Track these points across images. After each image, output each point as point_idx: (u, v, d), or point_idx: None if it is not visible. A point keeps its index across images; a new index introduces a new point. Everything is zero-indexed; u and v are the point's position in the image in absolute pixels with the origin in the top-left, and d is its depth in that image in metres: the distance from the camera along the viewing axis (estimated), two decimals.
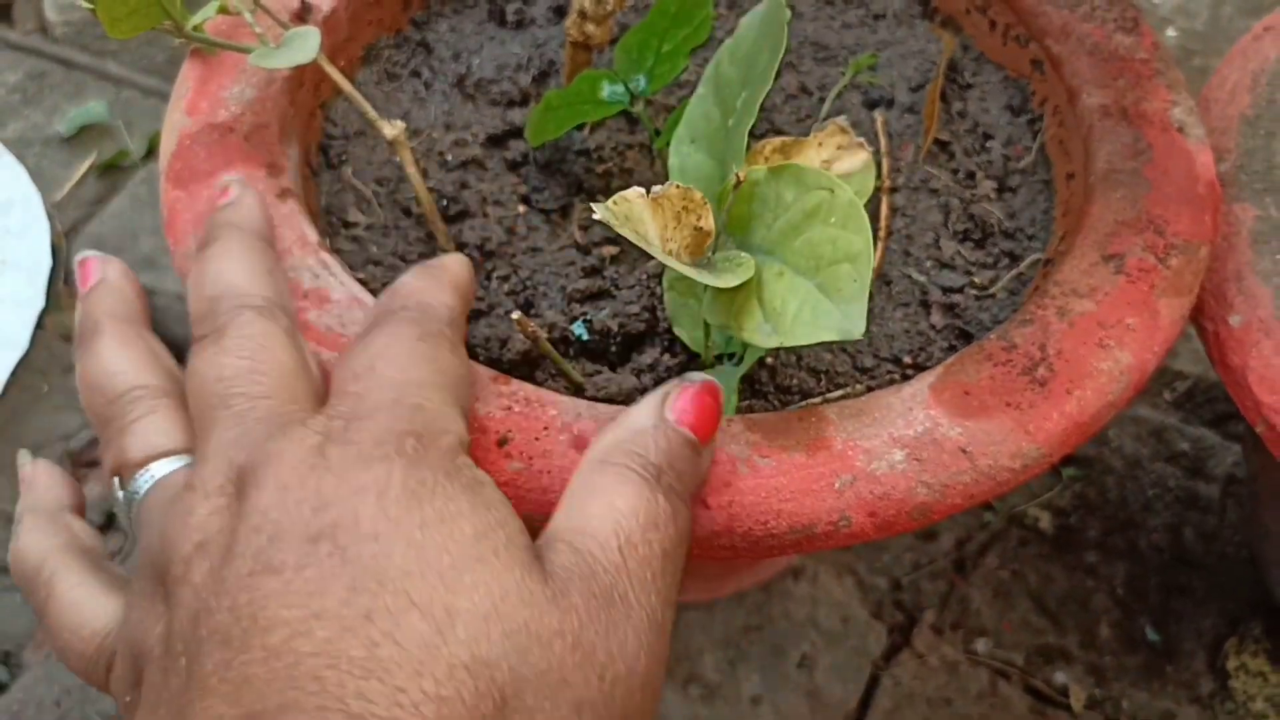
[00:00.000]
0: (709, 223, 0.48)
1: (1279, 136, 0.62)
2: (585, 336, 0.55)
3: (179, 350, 0.69)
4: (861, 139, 0.53)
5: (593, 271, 0.58)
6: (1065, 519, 0.82)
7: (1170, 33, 1.15)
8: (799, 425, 0.48)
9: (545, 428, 0.47)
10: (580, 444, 0.46)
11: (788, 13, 0.51)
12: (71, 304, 0.88)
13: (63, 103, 1.01)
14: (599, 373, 0.54)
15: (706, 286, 0.49)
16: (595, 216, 0.44)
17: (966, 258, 0.59)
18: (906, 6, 0.71)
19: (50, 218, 0.90)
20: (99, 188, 0.96)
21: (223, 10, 0.59)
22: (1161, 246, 0.55)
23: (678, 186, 0.47)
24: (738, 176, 0.48)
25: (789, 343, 0.45)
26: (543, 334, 0.51)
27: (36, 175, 0.95)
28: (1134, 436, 0.87)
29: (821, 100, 0.66)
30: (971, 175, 0.63)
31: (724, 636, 0.77)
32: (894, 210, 0.60)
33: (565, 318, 0.56)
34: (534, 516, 0.45)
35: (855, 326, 0.44)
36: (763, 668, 0.75)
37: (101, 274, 0.51)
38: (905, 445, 0.47)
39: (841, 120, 0.53)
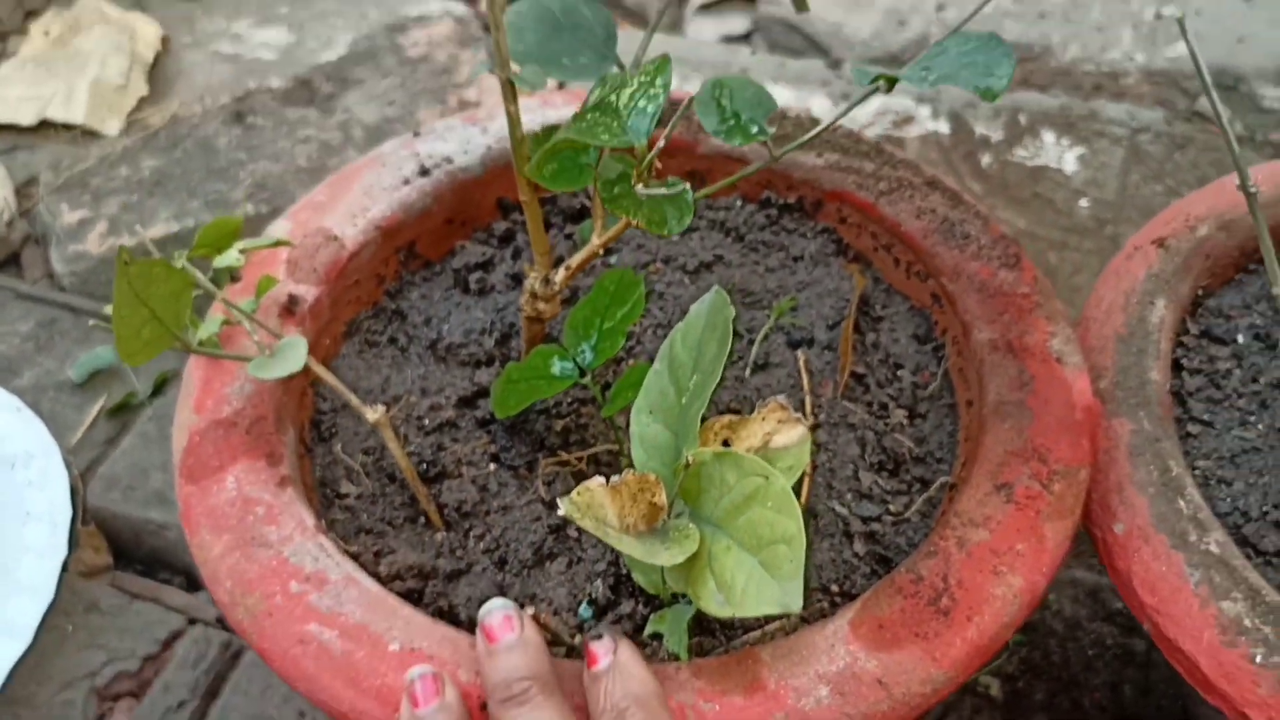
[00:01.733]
0: (662, 499, 0.56)
1: (1149, 353, 0.71)
2: (590, 615, 0.63)
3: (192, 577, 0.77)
4: (798, 415, 0.62)
5: (557, 528, 0.66)
6: (1014, 684, 0.89)
7: (1083, 203, 1.25)
8: (737, 669, 0.55)
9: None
10: (579, 709, 0.54)
11: (732, 310, 0.60)
12: (91, 542, 0.96)
13: (73, 348, 1.10)
14: (582, 629, 0.62)
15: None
16: (560, 511, 0.52)
17: (883, 486, 0.67)
18: (822, 247, 0.81)
19: (67, 464, 0.98)
20: (109, 428, 1.05)
21: (225, 322, 0.68)
22: (1045, 473, 0.63)
23: (634, 473, 0.55)
24: (687, 459, 0.56)
25: (739, 614, 0.52)
26: (554, 623, 0.59)
27: (51, 419, 1.04)
28: (1072, 599, 0.94)
29: (751, 342, 0.75)
30: (885, 406, 0.71)
31: None
32: (818, 447, 0.69)
33: (571, 598, 0.63)
34: None
35: (794, 602, 0.51)
36: None
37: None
38: (829, 681, 0.55)
39: (781, 399, 0.61)
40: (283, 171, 1.28)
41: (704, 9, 1.62)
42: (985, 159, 1.32)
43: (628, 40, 0.97)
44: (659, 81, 0.52)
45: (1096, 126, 1.35)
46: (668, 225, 0.54)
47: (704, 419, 0.59)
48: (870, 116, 1.37)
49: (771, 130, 0.62)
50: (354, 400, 0.64)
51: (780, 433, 0.61)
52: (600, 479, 0.54)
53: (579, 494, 0.53)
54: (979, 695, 0.89)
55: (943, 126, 1.36)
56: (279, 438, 0.66)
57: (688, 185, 0.56)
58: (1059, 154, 1.32)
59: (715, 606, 0.54)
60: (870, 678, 0.55)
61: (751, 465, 0.55)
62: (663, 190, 0.54)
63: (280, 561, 0.59)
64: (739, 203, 0.84)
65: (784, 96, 1.39)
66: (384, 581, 0.62)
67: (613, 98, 0.52)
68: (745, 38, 1.59)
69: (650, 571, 0.63)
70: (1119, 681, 0.90)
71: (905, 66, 0.61)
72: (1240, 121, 1.38)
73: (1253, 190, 0.55)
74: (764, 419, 0.61)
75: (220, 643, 0.91)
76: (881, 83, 0.60)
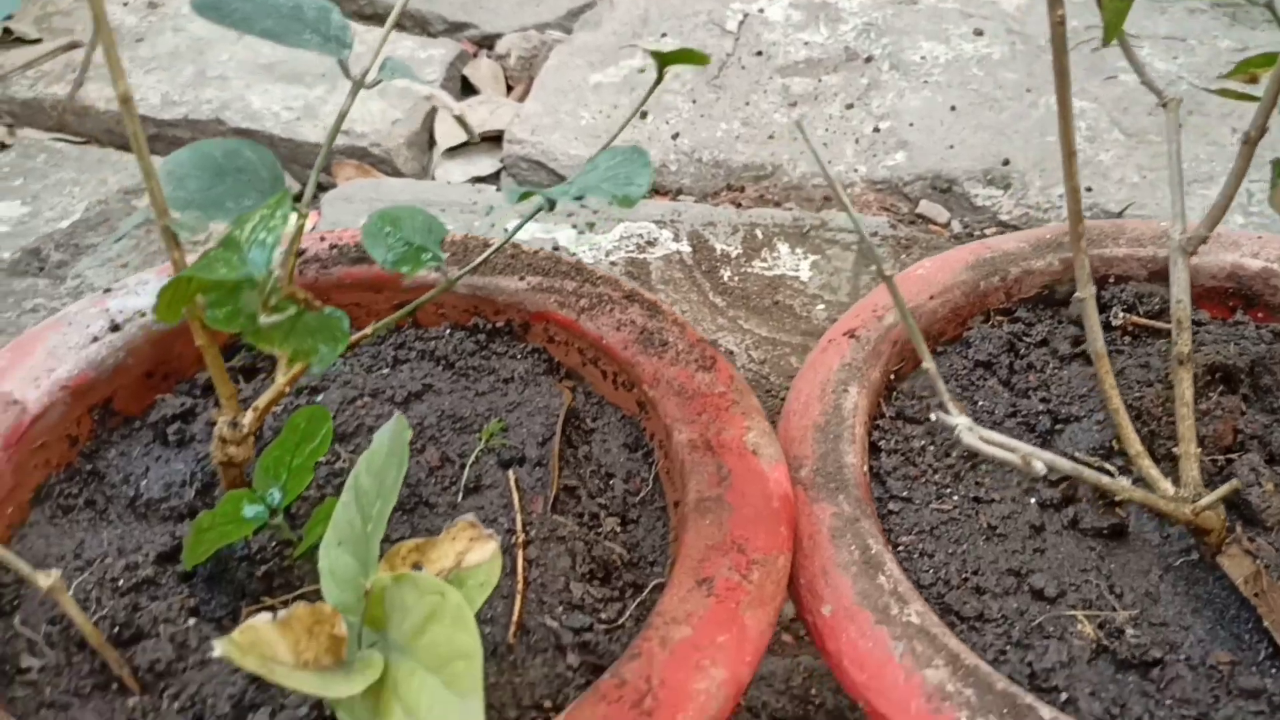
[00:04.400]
0: (341, 629, 0.54)
1: (844, 439, 0.73)
2: None
3: None
4: (490, 531, 0.61)
5: (257, 678, 0.62)
6: None
7: (819, 308, 1.30)
8: None
9: None
10: None
11: (409, 432, 0.59)
12: None
13: None
14: None
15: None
16: (215, 653, 0.49)
17: (595, 595, 0.67)
18: (533, 366, 0.81)
19: None
20: None
21: None
22: (745, 564, 0.63)
23: (305, 606, 0.53)
24: (367, 587, 0.54)
25: None
26: None
27: None
28: (834, 689, 0.95)
29: (462, 467, 0.74)
30: (595, 515, 0.71)
31: None
32: (529, 563, 0.68)
33: None
34: None
35: (475, 717, 0.50)
36: None
37: None
38: None
39: (470, 517, 0.60)
40: (6, 343, 1.22)
41: (450, 152, 1.65)
42: (726, 273, 1.36)
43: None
44: (279, 214, 0.52)
45: (827, 235, 1.41)
46: (318, 355, 0.54)
47: (392, 544, 0.57)
48: (614, 242, 1.41)
49: (445, 256, 0.63)
50: (24, 567, 0.60)
51: (472, 550, 0.60)
52: (268, 615, 0.52)
53: (241, 633, 0.51)
54: None
55: (684, 246, 1.40)
56: None
57: (341, 313, 0.55)
58: (795, 263, 1.37)
59: None
60: None
61: (427, 584, 0.53)
62: (292, 317, 0.53)
63: None
64: (449, 330, 0.84)
65: (531, 229, 1.42)
66: None
67: (236, 232, 0.52)
68: (493, 177, 1.61)
69: (357, 711, 0.60)
70: None
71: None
72: (958, 220, 1.47)
73: (889, 274, 0.58)
74: (454, 538, 0.60)
75: None
76: (539, 198, 0.61)
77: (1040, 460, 0.54)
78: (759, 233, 1.43)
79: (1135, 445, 0.67)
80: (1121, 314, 0.81)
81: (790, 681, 0.96)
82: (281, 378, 0.66)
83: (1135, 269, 0.85)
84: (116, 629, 0.65)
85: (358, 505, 0.60)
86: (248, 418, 0.66)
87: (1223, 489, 0.64)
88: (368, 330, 0.67)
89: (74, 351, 0.76)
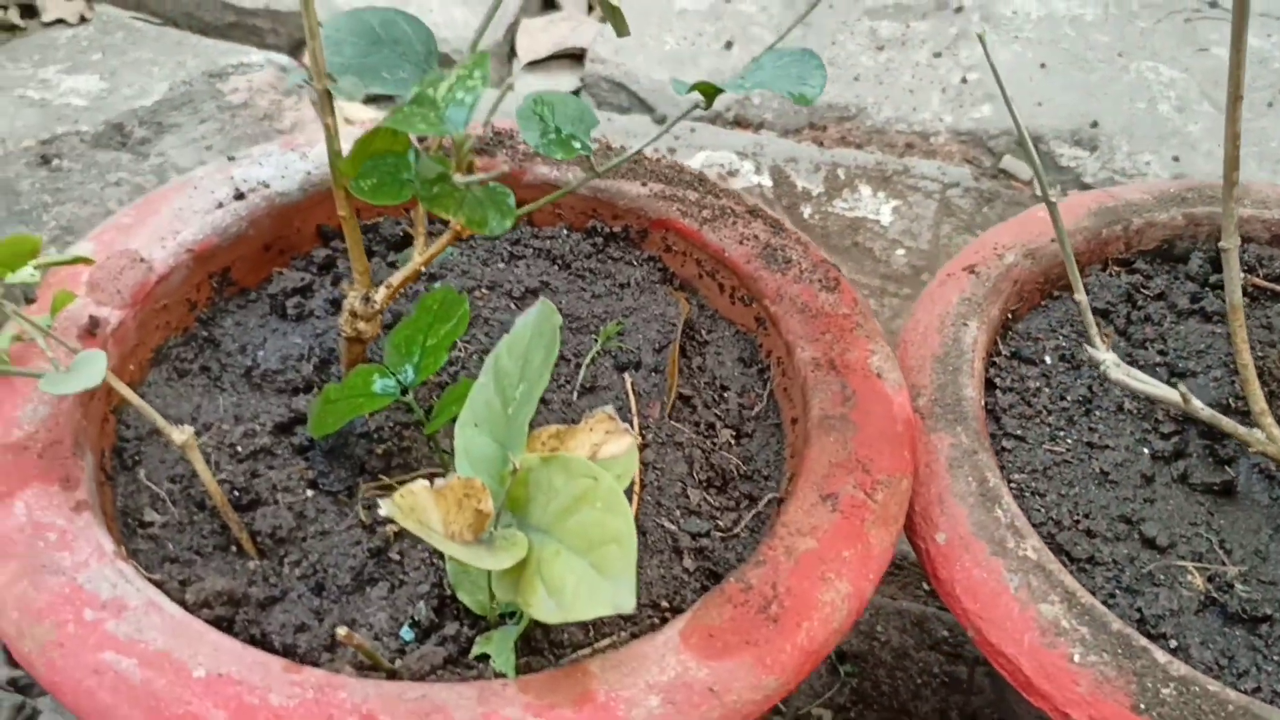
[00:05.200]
0: (488, 505, 0.55)
1: (963, 372, 0.73)
2: (412, 638, 0.60)
3: None
4: (626, 425, 0.61)
5: (378, 552, 0.63)
6: (845, 714, 0.89)
7: (899, 253, 1.30)
8: (565, 682, 0.54)
9: (334, 711, 0.51)
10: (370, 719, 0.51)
11: (559, 318, 0.59)
12: None
13: None
14: (404, 653, 0.59)
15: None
16: (381, 511, 0.50)
17: (711, 503, 0.67)
18: (648, 274, 0.81)
19: None
20: None
21: (16, 339, 0.64)
22: (869, 483, 0.64)
23: (459, 478, 0.54)
24: (514, 466, 0.55)
25: (571, 618, 0.51)
26: (365, 643, 0.56)
27: None
28: (899, 629, 0.96)
29: (578, 366, 0.74)
30: (712, 426, 0.71)
31: None
32: (645, 465, 0.68)
33: (392, 622, 0.60)
34: None
35: (626, 601, 0.50)
36: None
37: None
38: (660, 691, 0.53)
39: (608, 409, 0.61)
40: (91, 214, 1.22)
41: (532, 66, 1.63)
42: (807, 210, 1.36)
43: None
44: (476, 74, 0.51)
45: (910, 181, 1.40)
46: (489, 224, 0.53)
47: (530, 429, 0.58)
48: (695, 169, 1.40)
49: (594, 146, 0.62)
50: (159, 419, 0.61)
51: (608, 443, 0.60)
52: (424, 482, 0.52)
53: (401, 496, 0.51)
54: None
55: (766, 179, 1.40)
56: (76, 462, 0.62)
57: (506, 188, 0.55)
58: (876, 206, 1.37)
59: (546, 612, 0.52)
60: (701, 686, 0.54)
61: (580, 467, 0.54)
62: (482, 184, 0.53)
63: (73, 588, 0.55)
64: (565, 231, 0.83)
65: None
66: (191, 609, 0.58)
67: (430, 91, 0.52)
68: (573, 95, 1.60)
69: (476, 591, 0.61)
70: (945, 708, 0.91)
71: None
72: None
73: (1053, 201, 0.58)
74: (591, 430, 0.60)
75: (11, 706, 0.84)
76: (699, 96, 0.61)
77: (1198, 403, 0.54)
78: (841, 173, 1.42)
79: (1261, 402, 0.67)
80: (1243, 274, 0.80)
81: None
82: (419, 256, 0.65)
83: (1259, 230, 0.84)
84: (235, 494, 0.66)
85: (497, 387, 0.60)
86: (380, 293, 0.66)
87: None
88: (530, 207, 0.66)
89: (199, 216, 0.76)
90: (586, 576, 0.51)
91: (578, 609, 0.51)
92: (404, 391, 0.65)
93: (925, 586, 1.01)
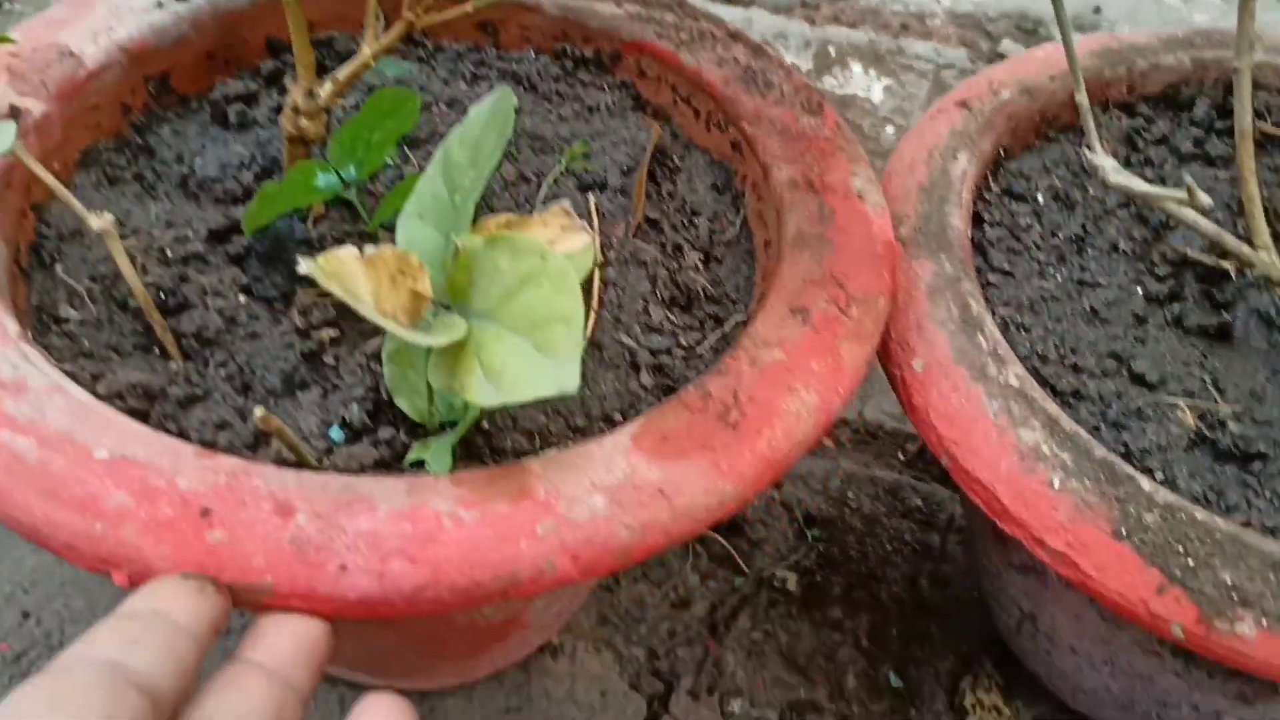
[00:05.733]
0: (425, 287, 0.50)
1: (950, 201, 0.68)
2: (341, 439, 0.56)
3: None
4: (583, 223, 0.57)
5: (312, 356, 0.58)
6: (811, 578, 0.86)
7: (889, 130, 1.25)
8: (503, 478, 0.49)
9: (247, 497, 0.47)
10: (285, 510, 0.47)
11: (514, 100, 0.55)
12: None
13: None
14: (330, 453, 0.55)
15: (428, 353, 0.51)
16: (300, 268, 0.45)
17: (674, 322, 0.63)
18: (619, 100, 0.76)
19: None
20: None
21: None
22: (844, 299, 0.59)
23: (393, 249, 0.49)
24: (457, 246, 0.50)
25: (510, 399, 0.47)
26: (284, 427, 0.51)
27: None
28: (871, 496, 0.92)
29: (539, 186, 0.69)
30: (679, 248, 0.67)
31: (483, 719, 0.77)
32: (606, 283, 0.64)
33: (323, 425, 0.56)
34: (236, 585, 0.45)
35: (570, 381, 0.46)
36: None
37: None
38: (606, 491, 0.49)
39: (565, 204, 0.56)
40: None
41: None
42: None
43: None
44: None
45: (903, 61, 1.35)
46: None
47: (479, 220, 0.53)
48: None
49: None
50: (75, 203, 0.56)
51: (564, 239, 0.55)
52: (353, 249, 0.47)
53: (326, 260, 0.46)
54: (776, 589, 0.86)
55: None
56: None
57: None
58: (867, 84, 1.31)
59: (484, 396, 0.48)
60: (651, 488, 0.50)
61: (527, 246, 0.49)
62: None
63: None
64: (533, 54, 0.78)
65: None
66: (102, 400, 0.53)
67: None
68: None
69: (416, 396, 0.57)
70: (916, 574, 0.87)
71: None
72: None
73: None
74: (546, 224, 0.55)
75: None
76: None
77: (1205, 197, 0.50)
78: (832, 50, 1.36)
79: (1264, 236, 0.63)
80: (1254, 120, 0.75)
81: (828, 483, 0.94)
82: (368, 49, 0.60)
83: (1270, 77, 0.79)
84: (162, 297, 0.61)
85: (445, 177, 0.56)
86: (325, 88, 0.61)
87: None
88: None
89: (136, 14, 0.71)
90: (529, 356, 0.47)
91: (518, 389, 0.47)
92: (346, 187, 0.61)
93: (900, 456, 0.97)
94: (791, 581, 0.86)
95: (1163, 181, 0.74)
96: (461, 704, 0.78)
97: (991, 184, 0.73)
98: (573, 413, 0.57)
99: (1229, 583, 0.52)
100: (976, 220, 0.71)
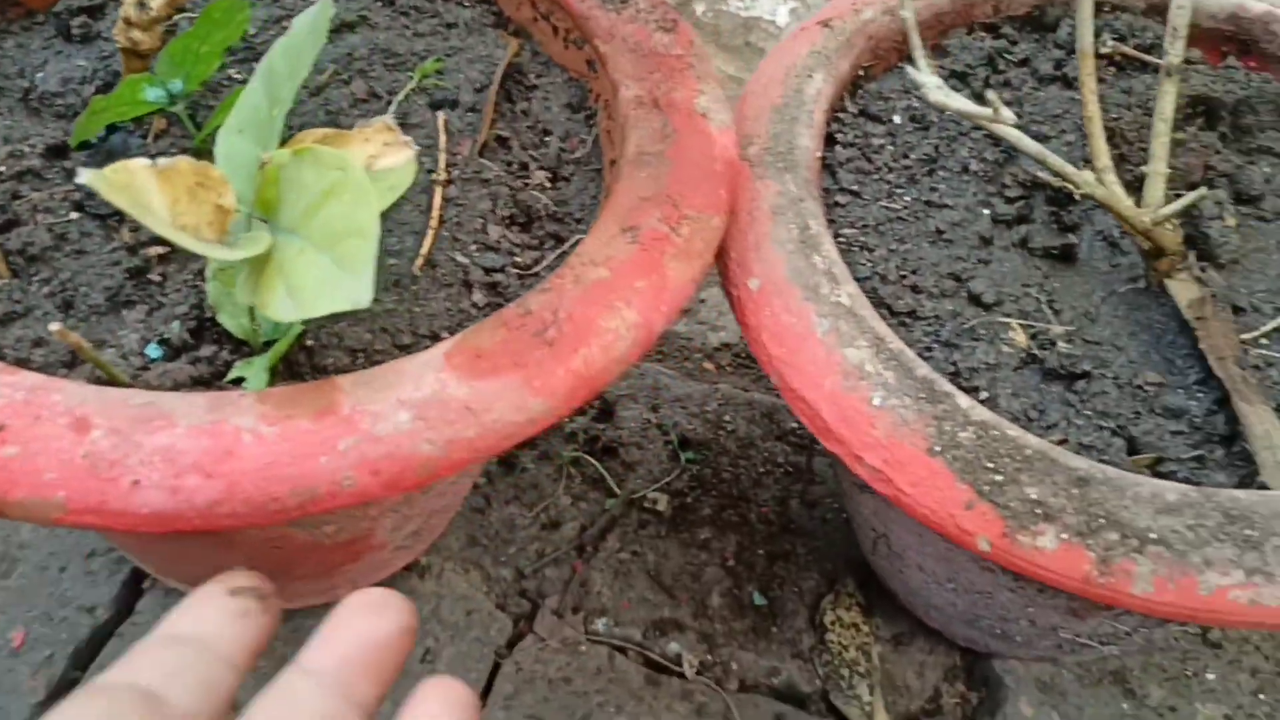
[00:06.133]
0: (230, 200, 0.49)
1: (801, 121, 0.68)
2: (159, 355, 0.55)
3: None
4: (408, 138, 0.56)
5: (138, 272, 0.58)
6: (682, 499, 0.87)
7: None
8: (309, 395, 0.49)
9: (44, 413, 0.47)
10: (81, 426, 0.47)
11: (332, 8, 0.54)
12: None
13: None
14: (146, 370, 0.55)
15: (247, 270, 0.50)
16: (80, 179, 0.44)
17: (512, 240, 0.62)
18: (479, 16, 0.75)
19: None
20: None
21: None
22: (676, 218, 0.59)
23: (190, 161, 0.48)
24: (263, 160, 0.50)
25: (307, 314, 0.47)
26: (82, 342, 0.51)
27: None
28: (748, 419, 0.93)
29: (390, 103, 0.68)
30: (525, 166, 0.66)
31: None
32: (446, 201, 0.63)
33: (144, 343, 0.56)
34: (27, 501, 0.45)
35: (363, 295, 0.46)
36: None
37: None
38: (412, 407, 0.49)
39: (388, 119, 0.55)
40: None
41: None
42: (700, 8, 1.29)
43: None
44: None
45: None
46: None
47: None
48: None
49: None
50: None
51: (386, 154, 0.55)
52: (145, 160, 0.47)
53: (114, 171, 0.46)
54: (646, 510, 0.87)
55: None
56: None
57: None
58: (772, 7, 1.30)
59: (284, 311, 0.47)
60: (458, 404, 0.50)
61: (330, 160, 0.48)
62: None
63: None
64: None
65: None
66: None
67: None
68: None
69: (239, 314, 0.56)
70: (786, 496, 0.89)
71: None
72: None
73: None
74: (367, 139, 0.55)
75: None
76: None
77: (1007, 112, 0.50)
78: None
79: (1104, 158, 0.63)
80: (1111, 41, 0.76)
81: (705, 406, 0.94)
82: None
83: (1134, 0, 0.79)
84: None
85: (266, 89, 0.55)
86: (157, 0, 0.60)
87: (1188, 197, 0.61)
88: None
89: None
90: (327, 272, 0.47)
91: (315, 304, 0.46)
92: (173, 100, 0.60)
93: None
94: (662, 503, 0.87)
95: (1020, 104, 0.74)
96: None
97: (849, 104, 0.73)
98: (400, 330, 0.57)
99: (1034, 497, 0.53)
100: (830, 141, 0.71)
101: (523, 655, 0.78)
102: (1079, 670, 0.81)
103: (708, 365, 0.99)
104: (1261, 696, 0.81)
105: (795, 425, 0.93)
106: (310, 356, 0.56)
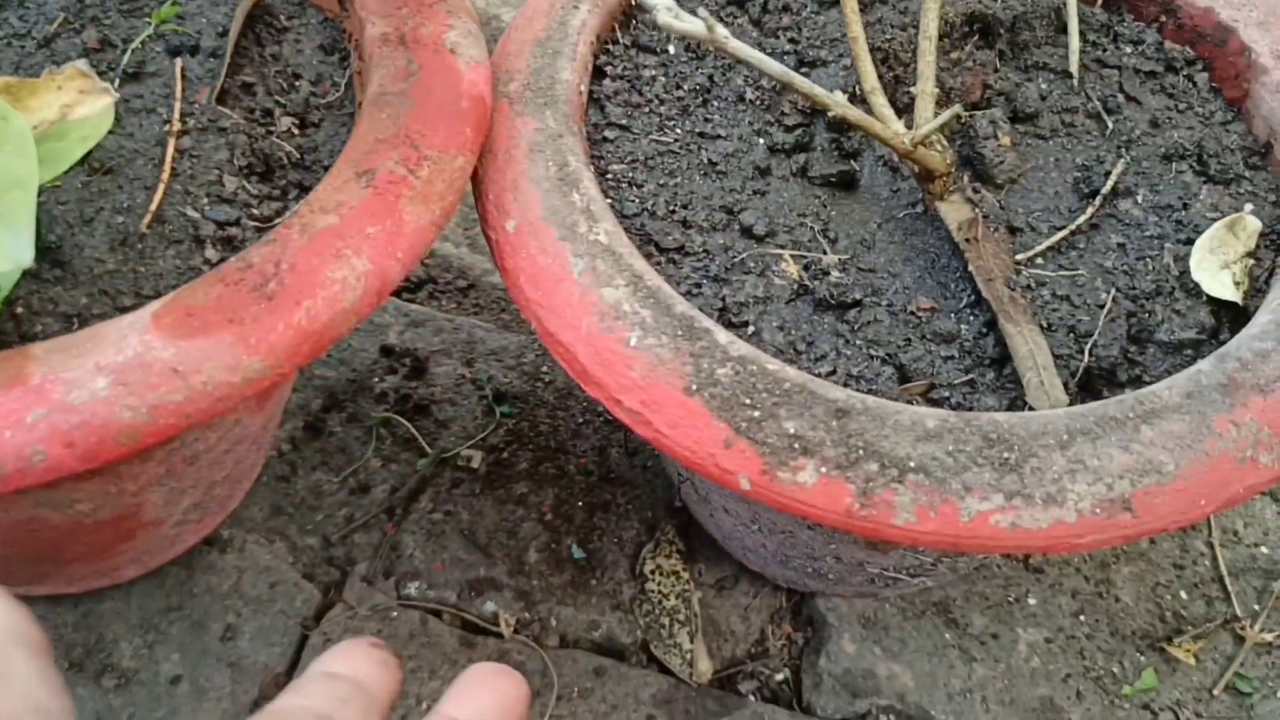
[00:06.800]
0: None
1: (564, 55, 0.65)
2: None
3: None
4: (106, 84, 0.52)
5: None
6: (498, 455, 0.84)
7: None
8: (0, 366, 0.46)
9: None
10: None
11: None
12: None
13: None
14: None
15: None
16: None
17: (250, 191, 0.59)
18: None
19: None
20: None
21: None
22: (415, 159, 0.56)
23: None
24: None
25: None
26: None
27: None
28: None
29: (124, 52, 0.64)
30: (270, 113, 0.63)
31: (141, 620, 0.74)
32: (180, 153, 0.59)
33: None
34: None
35: (24, 253, 0.43)
36: (183, 645, 0.73)
37: None
38: (111, 372, 0.46)
39: (81, 65, 0.51)
40: None
41: None
42: None
43: None
44: None
45: None
46: None
47: None
48: None
49: None
50: None
51: (82, 103, 0.51)
52: None
53: None
54: (459, 468, 0.84)
55: None
56: None
57: None
58: None
59: None
60: (164, 366, 0.47)
61: None
62: None
63: None
64: None
65: None
66: None
67: None
68: None
69: None
70: (606, 445, 0.87)
71: None
72: None
73: None
74: (60, 86, 0.51)
75: None
76: None
77: (722, 29, 0.48)
78: None
79: (871, 80, 0.61)
80: None
81: (521, 358, 0.92)
82: None
83: None
84: None
85: None
86: None
87: (944, 115, 0.59)
88: None
89: None
90: None
91: None
92: None
93: None
94: (477, 460, 0.84)
95: (798, 29, 0.72)
96: (118, 606, 0.74)
97: (621, 36, 0.70)
98: (122, 293, 0.54)
99: (792, 432, 0.51)
100: (599, 74, 0.68)
101: (331, 626, 0.75)
102: (902, 604, 0.80)
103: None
104: (1081, 618, 0.81)
105: None
106: (18, 325, 0.52)
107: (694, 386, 0.53)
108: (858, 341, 0.58)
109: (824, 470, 0.51)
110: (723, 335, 0.54)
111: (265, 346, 0.49)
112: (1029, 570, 0.83)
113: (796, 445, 0.51)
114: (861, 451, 0.51)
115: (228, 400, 0.48)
